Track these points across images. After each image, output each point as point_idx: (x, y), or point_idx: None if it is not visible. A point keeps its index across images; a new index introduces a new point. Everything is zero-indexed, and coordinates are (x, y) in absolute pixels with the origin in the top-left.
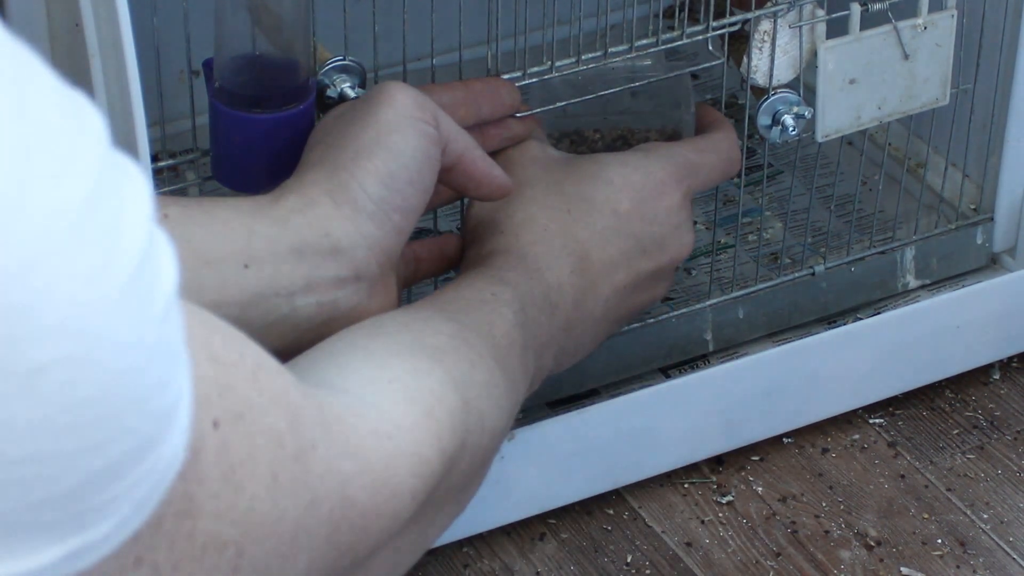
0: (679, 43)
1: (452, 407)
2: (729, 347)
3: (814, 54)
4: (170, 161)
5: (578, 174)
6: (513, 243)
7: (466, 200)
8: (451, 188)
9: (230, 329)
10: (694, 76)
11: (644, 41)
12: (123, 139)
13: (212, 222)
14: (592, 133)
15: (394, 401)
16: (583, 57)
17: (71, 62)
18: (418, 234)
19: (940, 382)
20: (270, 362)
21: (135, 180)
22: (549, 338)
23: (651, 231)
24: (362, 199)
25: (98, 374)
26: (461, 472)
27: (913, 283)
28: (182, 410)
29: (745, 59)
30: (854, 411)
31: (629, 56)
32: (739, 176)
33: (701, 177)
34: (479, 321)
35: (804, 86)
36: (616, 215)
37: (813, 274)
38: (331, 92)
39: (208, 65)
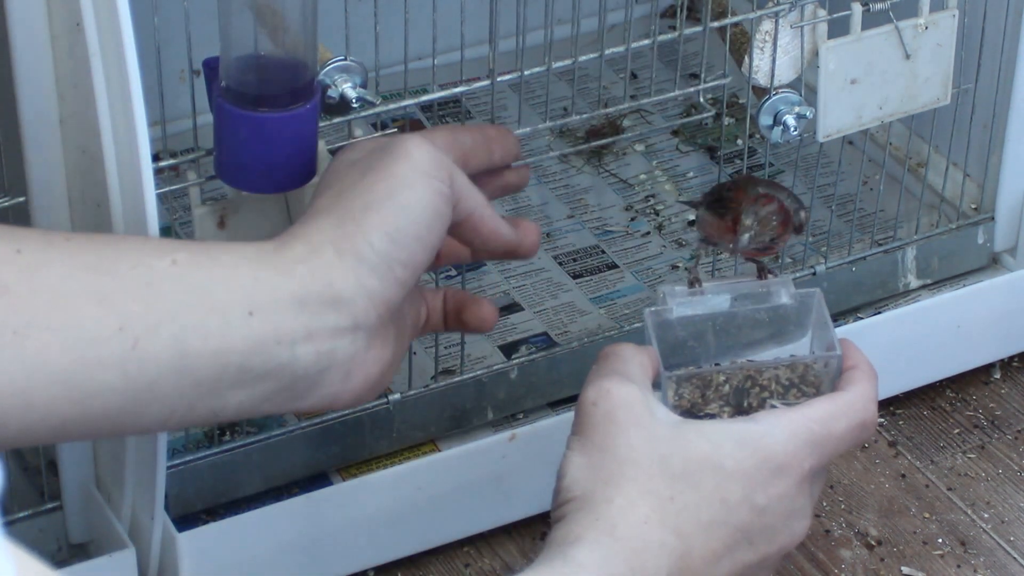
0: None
1: None
2: None
3: (815, 54)
4: (171, 161)
5: (687, 452)
6: (607, 534)
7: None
8: (456, 240)
9: None
10: (694, 76)
11: (644, 42)
12: (123, 139)
13: (218, 268)
14: (717, 376)
15: None
16: (580, 59)
17: (71, 62)
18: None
19: (941, 381)
20: None
21: None
22: None
23: (760, 521)
24: (367, 252)
25: None
26: None
27: (914, 283)
28: None
29: (746, 59)
30: None
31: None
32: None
33: (828, 452)
34: None
35: (805, 86)
36: (724, 505)
37: (814, 274)
38: (332, 92)
39: (207, 65)
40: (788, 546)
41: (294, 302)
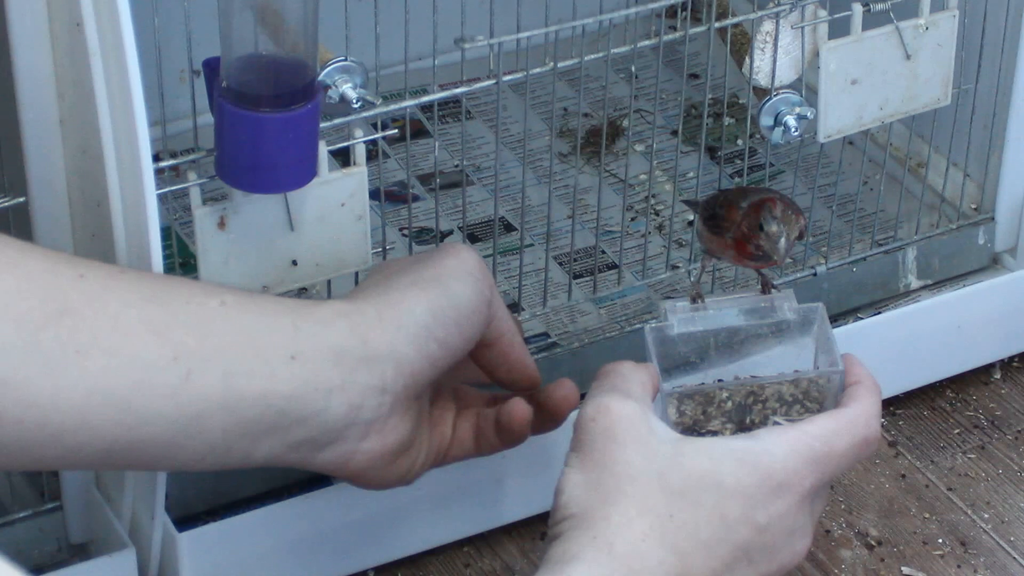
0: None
1: None
2: None
3: (816, 55)
4: (171, 161)
5: (686, 469)
6: (604, 553)
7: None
8: (483, 368)
9: None
10: (695, 76)
11: (646, 42)
12: (123, 139)
13: (263, 314)
14: (719, 392)
15: None
16: (586, 58)
17: (71, 62)
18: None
19: (941, 382)
20: None
21: None
22: None
23: (760, 539)
24: (407, 319)
25: None
26: None
27: (915, 283)
28: None
29: (747, 60)
30: None
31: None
32: (741, 176)
33: (829, 470)
34: None
35: (806, 86)
36: (723, 522)
37: (815, 274)
38: (332, 92)
39: (207, 65)
40: (789, 564)
41: (332, 353)
